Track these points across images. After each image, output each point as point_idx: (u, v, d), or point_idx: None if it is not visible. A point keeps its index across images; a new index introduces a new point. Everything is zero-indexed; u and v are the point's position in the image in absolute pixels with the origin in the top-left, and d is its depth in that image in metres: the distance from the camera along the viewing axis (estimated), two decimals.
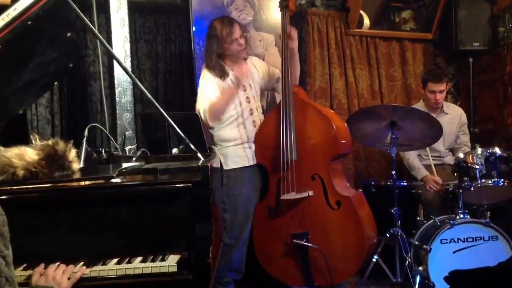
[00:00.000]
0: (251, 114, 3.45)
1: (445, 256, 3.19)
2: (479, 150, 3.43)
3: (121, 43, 3.50)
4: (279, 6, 3.45)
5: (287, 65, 3.32)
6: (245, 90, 3.44)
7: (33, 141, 1.95)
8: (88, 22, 2.33)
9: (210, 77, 3.35)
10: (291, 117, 3.27)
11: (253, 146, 3.43)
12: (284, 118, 3.27)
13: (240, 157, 3.40)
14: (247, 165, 3.41)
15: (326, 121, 3.29)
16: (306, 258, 3.22)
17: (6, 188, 1.80)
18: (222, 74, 3.36)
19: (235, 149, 3.40)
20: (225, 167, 3.31)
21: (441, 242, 3.20)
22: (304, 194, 3.24)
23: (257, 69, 3.55)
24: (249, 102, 3.45)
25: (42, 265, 1.72)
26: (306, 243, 3.17)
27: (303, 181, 3.27)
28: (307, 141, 3.29)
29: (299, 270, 3.29)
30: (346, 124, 3.50)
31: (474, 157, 3.38)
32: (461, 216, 3.26)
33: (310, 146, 3.29)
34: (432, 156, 3.92)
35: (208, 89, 3.31)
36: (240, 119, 3.40)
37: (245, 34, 3.45)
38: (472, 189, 3.32)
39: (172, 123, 2.26)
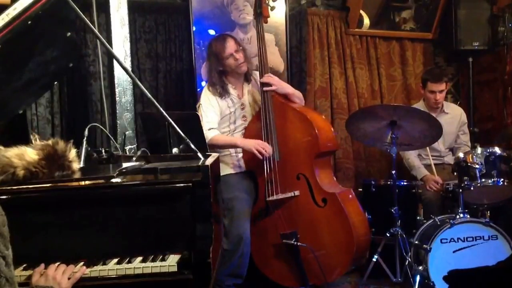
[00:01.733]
0: (242, 130, 3.51)
1: (445, 255, 3.19)
2: (479, 150, 3.43)
3: (121, 43, 3.49)
4: (253, 14, 3.49)
5: (264, 68, 3.37)
6: (243, 109, 3.50)
7: (33, 141, 1.95)
8: (88, 22, 2.33)
9: (210, 96, 3.40)
10: (271, 119, 3.32)
11: (240, 154, 3.48)
12: (264, 121, 3.32)
13: (229, 164, 3.46)
14: (238, 171, 3.48)
15: (305, 120, 3.32)
16: (298, 258, 3.23)
17: (6, 188, 1.79)
18: (223, 93, 3.40)
19: (224, 158, 3.44)
20: None
21: (441, 242, 3.20)
22: (290, 194, 3.27)
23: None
24: (245, 120, 3.52)
25: (42, 265, 1.72)
26: (295, 243, 3.18)
27: (288, 181, 3.30)
28: (289, 141, 3.33)
29: (293, 270, 3.30)
30: (343, 123, 3.53)
31: (474, 156, 3.38)
32: (461, 215, 3.26)
33: (292, 146, 3.32)
34: (432, 156, 3.92)
35: (209, 110, 3.37)
36: (231, 132, 3.48)
37: (241, 48, 3.46)
38: (472, 188, 3.32)
39: (172, 122, 2.26)
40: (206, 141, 3.26)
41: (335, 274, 3.27)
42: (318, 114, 3.76)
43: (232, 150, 3.48)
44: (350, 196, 3.40)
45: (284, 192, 3.28)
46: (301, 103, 3.55)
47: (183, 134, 2.26)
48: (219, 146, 3.39)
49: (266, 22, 3.51)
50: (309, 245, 3.17)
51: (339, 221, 3.20)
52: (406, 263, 3.36)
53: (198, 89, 3.92)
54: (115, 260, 1.79)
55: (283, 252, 3.31)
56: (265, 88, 3.36)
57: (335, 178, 3.57)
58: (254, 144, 3.29)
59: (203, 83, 3.92)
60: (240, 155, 3.48)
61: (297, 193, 3.27)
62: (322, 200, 3.25)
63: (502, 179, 3.37)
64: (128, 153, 3.34)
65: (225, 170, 3.41)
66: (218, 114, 3.41)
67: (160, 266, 1.75)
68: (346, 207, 3.23)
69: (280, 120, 3.35)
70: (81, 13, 2.22)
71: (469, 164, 3.33)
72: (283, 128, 3.35)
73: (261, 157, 3.28)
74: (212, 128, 3.35)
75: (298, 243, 3.18)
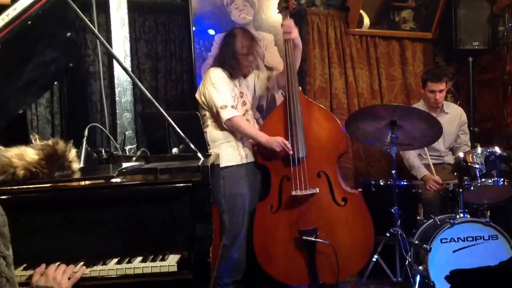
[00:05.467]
0: (244, 115, 3.49)
1: (445, 255, 3.19)
2: (479, 150, 3.43)
3: (121, 43, 3.50)
4: (277, 8, 3.47)
5: (292, 65, 3.34)
6: (241, 96, 3.50)
7: (33, 141, 1.95)
8: (88, 22, 2.33)
9: (222, 74, 3.40)
10: (298, 115, 3.31)
11: (246, 144, 3.47)
12: (291, 116, 3.31)
13: (233, 155, 3.43)
14: (240, 163, 3.43)
15: (333, 120, 3.39)
16: (313, 255, 3.25)
17: (6, 188, 1.80)
18: (228, 72, 3.42)
19: (227, 148, 3.42)
20: None
21: (441, 242, 3.20)
22: (313, 191, 3.27)
23: (252, 77, 3.60)
24: (244, 105, 3.51)
25: (43, 265, 1.72)
26: (315, 239, 3.20)
27: (309, 178, 3.30)
28: (314, 139, 3.35)
29: (302, 268, 3.30)
30: (343, 123, 3.55)
31: (474, 156, 3.38)
32: (461, 215, 3.26)
33: (316, 144, 3.34)
34: (432, 156, 3.92)
35: (225, 88, 3.36)
36: None
37: (257, 51, 3.54)
38: (472, 188, 3.32)
39: (172, 122, 2.26)
40: (227, 115, 3.29)
41: (348, 274, 3.33)
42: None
43: (237, 138, 3.44)
44: (362, 197, 3.44)
45: (306, 189, 3.27)
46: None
47: (183, 134, 2.26)
48: (238, 130, 3.37)
49: (291, 16, 3.46)
50: (330, 242, 3.20)
51: (359, 221, 3.27)
52: (406, 263, 3.36)
53: None
54: (115, 260, 1.79)
55: (294, 249, 3.31)
56: (286, 37, 3.34)
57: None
58: (275, 143, 3.28)
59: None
60: (246, 144, 3.46)
61: (317, 190, 3.28)
62: (342, 199, 3.30)
63: (502, 179, 3.37)
64: (128, 153, 3.34)
65: (229, 161, 3.39)
66: (230, 94, 3.39)
67: (160, 266, 1.75)
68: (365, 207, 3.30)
69: (306, 117, 3.35)
70: (81, 13, 2.22)
71: (469, 164, 3.33)
72: (308, 124, 3.35)
73: (280, 149, 3.27)
74: (234, 107, 3.34)
75: (320, 240, 3.20)
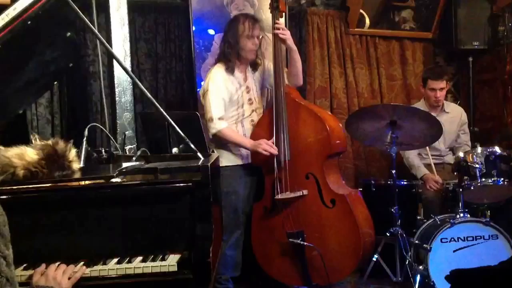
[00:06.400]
0: (250, 114, 3.47)
1: (446, 255, 3.19)
2: (479, 149, 3.43)
3: (120, 43, 3.49)
4: (269, 8, 3.47)
5: (279, 66, 3.33)
6: (248, 92, 3.46)
7: (33, 141, 1.95)
8: (88, 22, 2.33)
9: (221, 75, 3.36)
10: (283, 118, 3.29)
11: None
12: (276, 119, 3.29)
13: (235, 155, 3.43)
14: (240, 163, 3.44)
15: (318, 120, 3.29)
16: (303, 257, 3.23)
17: (6, 188, 1.80)
18: (231, 68, 3.37)
19: (230, 147, 3.41)
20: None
21: (442, 241, 3.20)
22: (299, 193, 3.25)
23: (261, 70, 3.57)
24: (251, 103, 3.49)
25: (44, 265, 1.72)
26: (301, 242, 3.18)
27: (297, 181, 3.28)
28: (301, 140, 3.30)
29: (297, 269, 3.30)
30: (343, 123, 3.53)
31: (474, 156, 3.38)
32: (461, 215, 3.26)
33: (303, 146, 3.30)
34: (432, 155, 3.92)
35: (217, 96, 3.32)
36: (240, 118, 3.42)
37: (261, 37, 3.46)
38: (472, 188, 3.32)
39: (172, 122, 2.26)
40: (213, 130, 3.28)
41: (339, 276, 3.28)
42: (329, 113, 3.75)
43: None
44: (358, 197, 3.41)
45: (293, 191, 3.25)
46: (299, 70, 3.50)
47: (183, 134, 2.26)
48: (226, 141, 3.36)
49: (281, 17, 3.46)
50: (316, 245, 3.16)
51: (347, 224, 3.19)
52: (406, 262, 3.36)
53: (198, 89, 3.92)
54: (115, 260, 1.79)
55: (288, 251, 3.30)
56: (279, 34, 3.32)
57: (342, 179, 3.55)
58: (259, 147, 3.26)
59: (203, 83, 3.92)
60: None
61: (305, 192, 3.25)
62: (330, 201, 3.23)
63: (502, 179, 3.37)
64: (128, 153, 3.33)
65: (230, 161, 3.40)
66: (226, 99, 3.35)
67: (160, 265, 1.75)
68: (355, 209, 3.22)
69: (292, 119, 3.31)
70: (81, 13, 2.22)
71: (469, 163, 3.33)
72: (295, 126, 3.31)
73: (268, 154, 3.26)
74: (221, 119, 3.32)
75: (305, 243, 3.17)
